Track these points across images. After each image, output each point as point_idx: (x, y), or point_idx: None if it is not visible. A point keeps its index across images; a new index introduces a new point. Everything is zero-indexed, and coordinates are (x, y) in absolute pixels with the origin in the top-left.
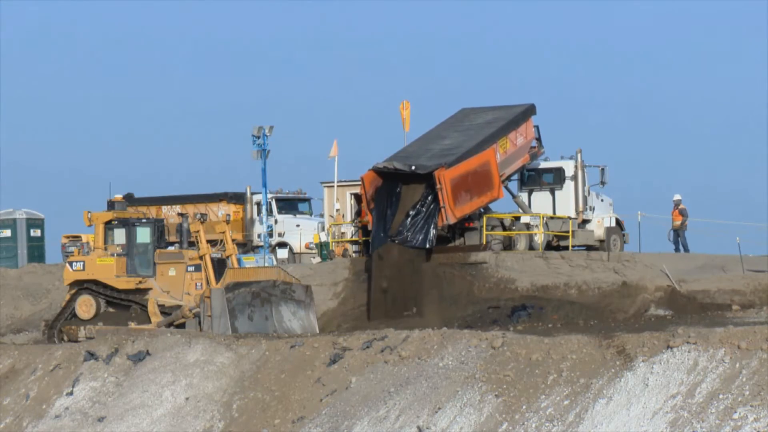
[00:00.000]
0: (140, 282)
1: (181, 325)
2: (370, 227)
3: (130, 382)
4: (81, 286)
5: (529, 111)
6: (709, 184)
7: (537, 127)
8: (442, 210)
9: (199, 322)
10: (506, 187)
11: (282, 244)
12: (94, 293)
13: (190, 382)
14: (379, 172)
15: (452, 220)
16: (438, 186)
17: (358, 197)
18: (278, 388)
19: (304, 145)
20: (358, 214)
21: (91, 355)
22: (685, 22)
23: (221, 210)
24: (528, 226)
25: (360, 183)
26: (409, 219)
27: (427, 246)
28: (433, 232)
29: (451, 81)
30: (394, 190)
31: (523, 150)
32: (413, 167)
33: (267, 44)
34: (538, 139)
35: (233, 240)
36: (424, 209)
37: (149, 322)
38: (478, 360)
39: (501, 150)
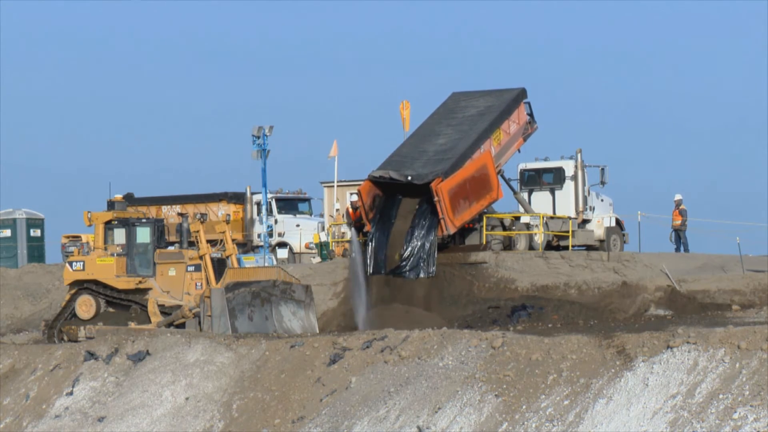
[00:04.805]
0: (140, 282)
1: (181, 325)
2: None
3: (130, 382)
4: (81, 286)
5: (520, 96)
6: (709, 184)
7: (528, 103)
8: (442, 221)
9: (199, 322)
10: (507, 184)
11: (282, 244)
12: (94, 293)
13: (190, 382)
14: (375, 181)
15: (452, 230)
16: (436, 198)
17: (355, 207)
18: (278, 388)
19: (304, 145)
20: (359, 220)
21: (91, 355)
22: (685, 22)
23: (221, 210)
24: (528, 226)
25: (357, 194)
26: (409, 249)
27: (430, 276)
28: (432, 268)
29: (451, 81)
30: (393, 201)
31: (516, 136)
32: (409, 177)
33: (266, 44)
34: (531, 115)
35: (233, 240)
36: (422, 231)
37: (149, 322)
38: (478, 360)
39: (495, 143)
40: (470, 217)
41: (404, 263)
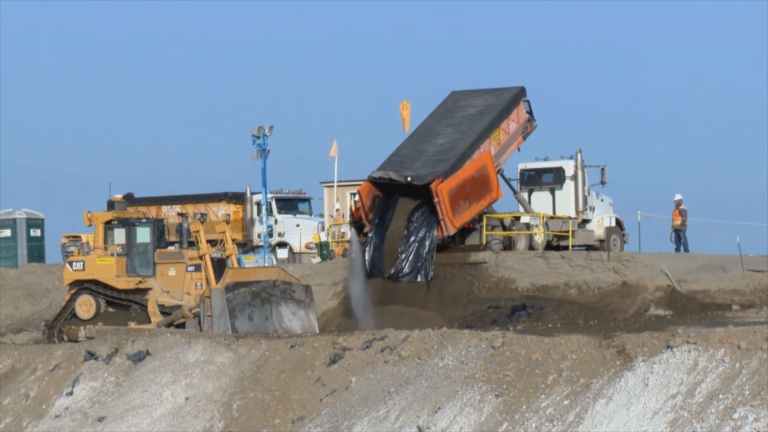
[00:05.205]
0: (140, 282)
1: (181, 325)
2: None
3: (130, 382)
4: (81, 286)
5: (520, 95)
6: (710, 184)
7: (528, 101)
8: (442, 222)
9: (199, 322)
10: (507, 184)
11: (282, 244)
12: (94, 293)
13: (190, 382)
14: (374, 181)
15: (452, 231)
16: (436, 199)
17: (357, 207)
18: (278, 388)
19: (304, 145)
20: (359, 220)
21: (91, 355)
22: (685, 22)
23: (221, 210)
24: (528, 226)
25: (357, 196)
26: (407, 252)
27: (428, 279)
28: (431, 271)
29: (451, 81)
30: (392, 201)
31: (516, 135)
32: (409, 178)
33: (267, 44)
34: (530, 113)
35: (233, 240)
36: (421, 233)
37: (149, 322)
38: (478, 360)
39: (495, 143)
40: (470, 218)
41: (402, 266)
